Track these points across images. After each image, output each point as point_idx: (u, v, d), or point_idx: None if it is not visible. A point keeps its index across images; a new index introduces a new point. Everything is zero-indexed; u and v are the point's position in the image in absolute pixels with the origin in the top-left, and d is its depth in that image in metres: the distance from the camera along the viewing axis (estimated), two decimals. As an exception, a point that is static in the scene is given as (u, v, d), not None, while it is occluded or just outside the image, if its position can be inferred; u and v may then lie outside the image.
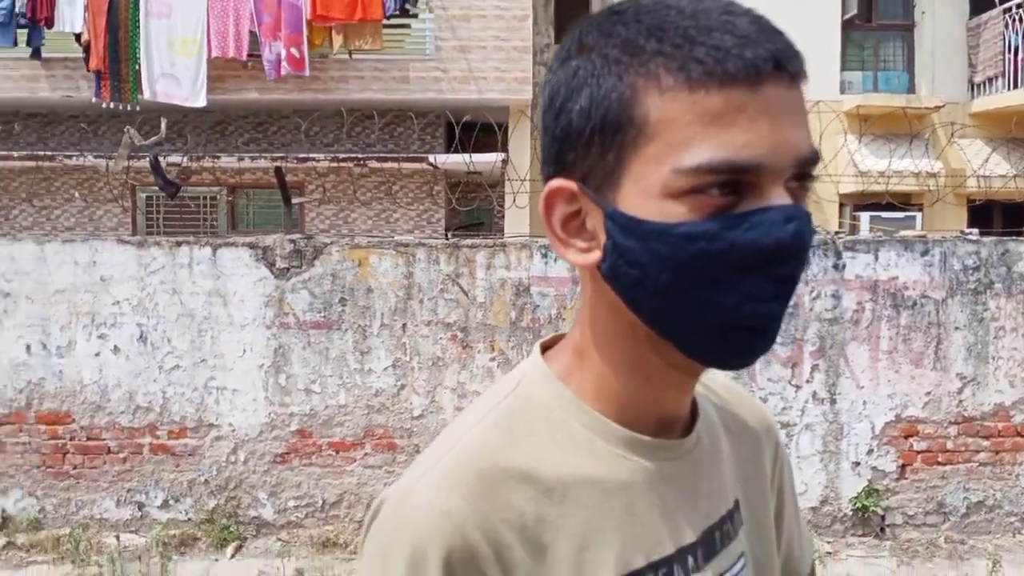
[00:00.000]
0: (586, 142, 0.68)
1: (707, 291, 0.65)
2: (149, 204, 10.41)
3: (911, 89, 11.46)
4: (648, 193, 0.65)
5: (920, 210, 9.91)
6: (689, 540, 0.75)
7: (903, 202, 8.41)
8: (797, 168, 0.65)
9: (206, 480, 5.15)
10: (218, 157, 9.63)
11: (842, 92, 11.03)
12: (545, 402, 0.75)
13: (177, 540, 4.97)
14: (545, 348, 0.81)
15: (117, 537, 4.96)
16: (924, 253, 5.20)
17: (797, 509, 0.97)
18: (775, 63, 0.63)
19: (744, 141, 0.63)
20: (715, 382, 0.91)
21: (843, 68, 11.38)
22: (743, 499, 0.84)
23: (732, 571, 0.79)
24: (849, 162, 9.72)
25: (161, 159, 7.91)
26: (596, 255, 0.69)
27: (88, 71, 9.66)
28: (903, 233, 6.10)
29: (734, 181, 0.63)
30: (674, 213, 0.64)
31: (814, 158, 0.66)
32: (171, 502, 5.16)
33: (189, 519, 5.13)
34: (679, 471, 0.76)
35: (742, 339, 0.67)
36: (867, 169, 8.88)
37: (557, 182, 0.70)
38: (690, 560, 0.74)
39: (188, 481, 5.15)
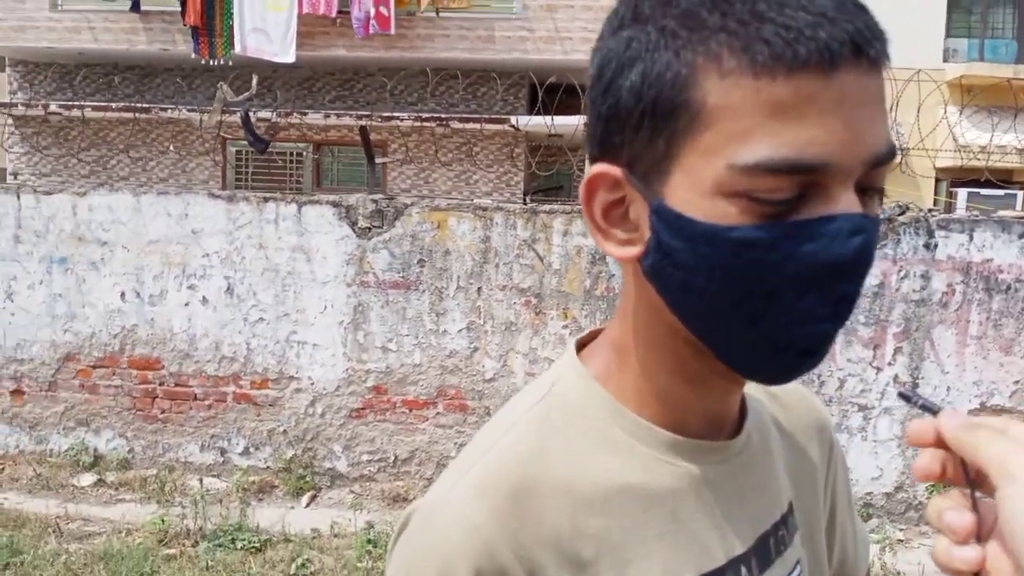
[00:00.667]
0: (635, 124, 0.60)
1: (758, 305, 0.59)
2: (239, 158, 10.70)
3: (1020, 59, 10.84)
4: (699, 188, 0.58)
5: (1022, 188, 9.43)
6: (741, 549, 0.69)
7: (1004, 179, 8.01)
8: (870, 168, 0.58)
9: (285, 430, 5.34)
10: (305, 113, 9.80)
11: (945, 60, 10.52)
12: (581, 404, 0.69)
13: (256, 487, 5.19)
14: (582, 344, 0.76)
15: (200, 480, 5.21)
16: (1022, 235, 4.96)
17: (852, 509, 0.92)
18: (853, 46, 0.55)
19: (810, 137, 0.55)
20: None
21: (947, 35, 10.84)
22: (796, 501, 0.79)
23: None
24: (948, 135, 9.29)
25: (251, 115, 8.10)
26: (638, 249, 0.63)
27: (184, 25, 9.92)
28: (1001, 213, 5.82)
29: (798, 182, 0.56)
30: (726, 214, 0.57)
31: (891, 155, 0.59)
32: (251, 450, 5.37)
33: (268, 467, 5.34)
34: (728, 475, 0.70)
35: (791, 360, 0.61)
36: (967, 143, 8.48)
37: (601, 167, 0.64)
38: (743, 571, 0.69)
39: (268, 430, 5.35)
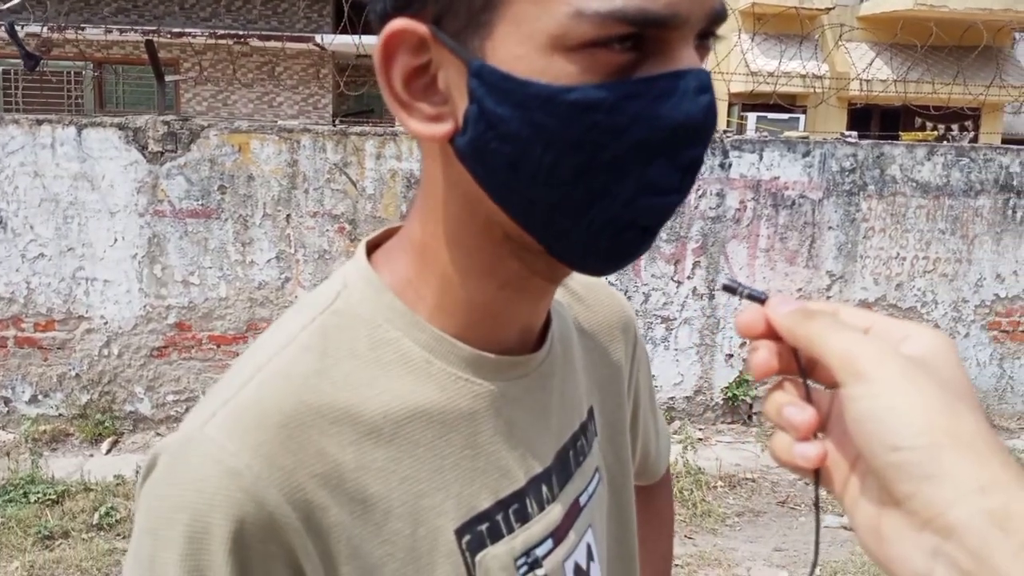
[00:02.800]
0: None
1: (601, 179, 0.51)
2: (6, 78, 9.56)
3: (804, -11, 11.56)
4: (532, 42, 0.49)
5: (804, 112, 10.17)
6: (541, 467, 0.65)
7: (789, 103, 8.59)
8: (708, 25, 0.53)
9: (77, 374, 4.94)
10: (83, 28, 8.86)
11: (738, -12, 11.03)
12: (370, 317, 0.60)
13: (48, 436, 4.79)
14: (375, 246, 0.66)
15: (-19, 433, 4.74)
16: (806, 154, 5.35)
17: (654, 406, 0.90)
18: None
19: None
20: None
21: (740, -37, 11.35)
22: (598, 406, 0.76)
23: (588, 491, 0.71)
24: (741, 61, 9.81)
25: (18, 29, 7.22)
26: (448, 125, 0.54)
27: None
28: (787, 134, 6.24)
29: (638, 35, 0.49)
30: (564, 73, 0.49)
31: (725, 14, 0.54)
32: (40, 397, 4.94)
33: (60, 414, 4.94)
34: (529, 389, 0.65)
35: (631, 239, 0.55)
36: (758, 69, 8.99)
37: (400, 23, 0.52)
38: (544, 490, 0.65)
39: (58, 376, 4.93)
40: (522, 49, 0.50)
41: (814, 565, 0.53)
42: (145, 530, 0.52)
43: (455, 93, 0.53)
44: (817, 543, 0.52)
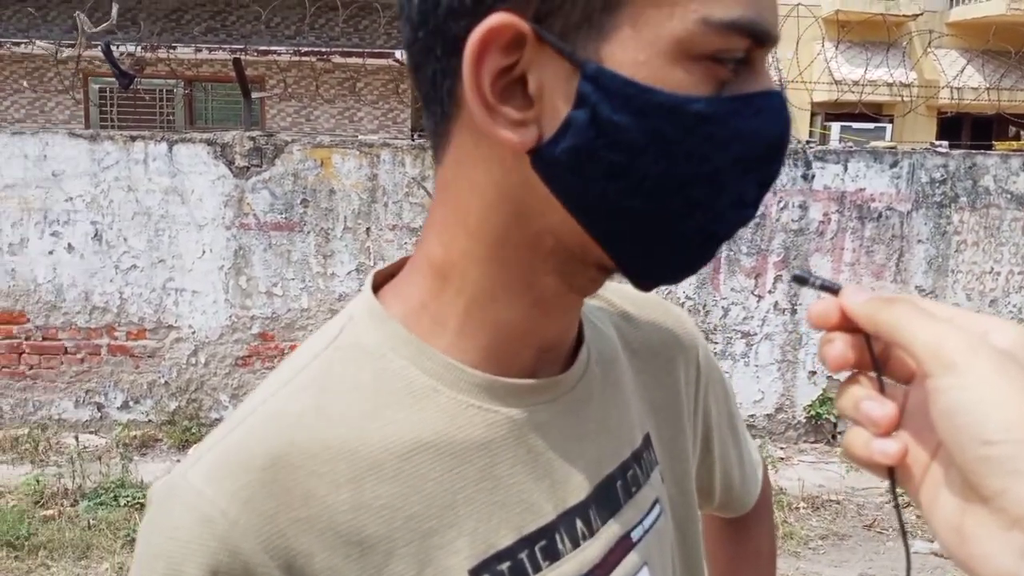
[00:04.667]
0: None
1: (702, 191, 0.50)
2: (103, 96, 10.01)
3: (891, -5, 11.25)
4: (654, 48, 0.47)
5: (891, 121, 9.87)
6: (575, 500, 0.59)
7: (875, 112, 8.34)
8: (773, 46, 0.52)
9: (166, 382, 5.11)
10: (174, 47, 9.22)
11: (821, -4, 10.80)
12: (375, 349, 0.57)
13: (138, 441, 4.96)
14: (389, 277, 0.62)
15: (76, 438, 4.94)
16: (893, 165, 5.18)
17: (737, 431, 0.84)
18: None
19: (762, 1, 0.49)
20: (614, 289, 0.74)
21: (823, -29, 11.11)
22: (655, 432, 0.70)
23: (643, 525, 0.64)
24: (824, 69, 9.59)
25: (113, 49, 7.55)
26: (533, 132, 0.50)
27: (32, -50, 9.12)
28: (873, 144, 6.06)
29: (748, 52, 0.49)
30: (682, 82, 0.48)
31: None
32: (131, 403, 5.13)
33: (150, 420, 5.11)
34: (560, 415, 0.60)
35: (708, 250, 0.54)
36: (842, 78, 8.76)
37: (502, 17, 0.47)
38: (579, 524, 0.59)
39: (148, 383, 5.11)
40: (644, 55, 0.47)
41: (908, 567, 0.50)
42: (135, 567, 0.52)
43: (549, 99, 0.49)
44: (906, 544, 0.49)
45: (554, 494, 0.58)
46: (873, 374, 0.46)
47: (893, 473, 0.45)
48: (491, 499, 0.56)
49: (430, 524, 0.54)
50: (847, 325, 0.46)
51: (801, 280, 0.50)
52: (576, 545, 0.58)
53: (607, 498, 0.62)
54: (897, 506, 0.48)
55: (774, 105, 0.51)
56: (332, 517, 0.51)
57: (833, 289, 0.47)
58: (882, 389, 0.46)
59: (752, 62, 0.50)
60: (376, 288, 0.61)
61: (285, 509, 0.50)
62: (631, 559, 0.62)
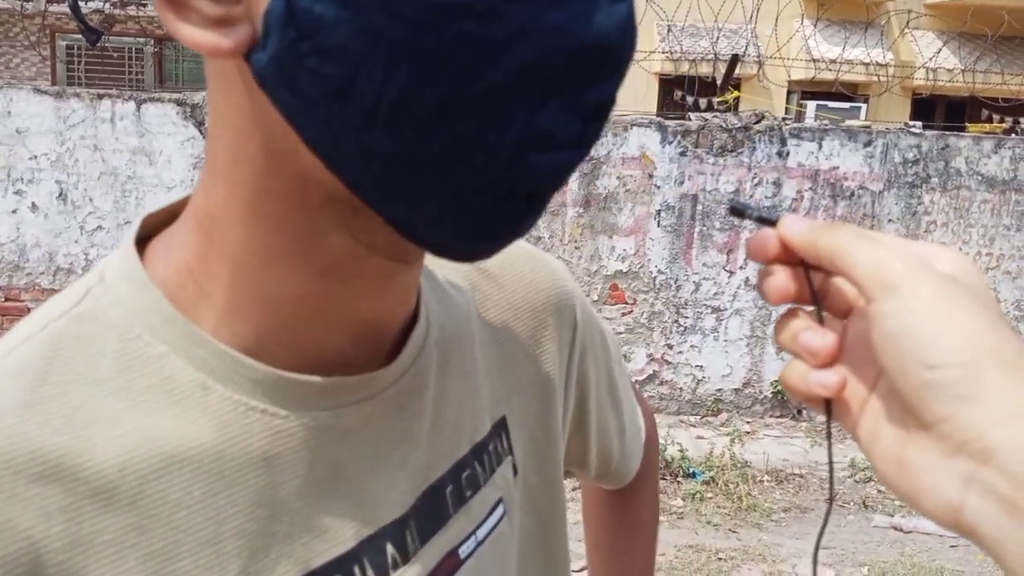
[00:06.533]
0: None
1: (471, 122, 0.35)
2: (70, 53, 9.79)
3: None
4: None
5: (866, 101, 9.91)
6: (391, 518, 0.49)
7: (851, 92, 8.38)
8: None
9: (132, 345, 5.05)
10: (144, 5, 9.02)
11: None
12: (124, 326, 0.43)
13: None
14: (157, 228, 0.48)
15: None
16: (867, 144, 5.20)
17: (618, 398, 0.74)
18: None
19: None
20: None
21: (804, -53, 11.07)
22: (517, 413, 0.60)
23: (475, 537, 0.54)
24: (802, 47, 9.59)
25: (81, 4, 7.37)
26: (240, 33, 0.37)
27: (-3, -101, 8.83)
28: (848, 123, 6.08)
29: None
30: None
31: None
32: (96, 366, 5.06)
33: (115, 383, 5.05)
34: (374, 417, 0.48)
35: (512, 212, 0.39)
36: (820, 56, 8.78)
37: None
38: (389, 549, 0.48)
39: (114, 345, 5.04)
40: None
41: (830, 503, 0.50)
42: None
43: None
44: (832, 479, 0.48)
45: (358, 516, 0.47)
46: (812, 308, 0.45)
47: (830, 405, 0.44)
48: (267, 529, 0.44)
49: (179, 565, 0.41)
50: (786, 257, 0.44)
51: (738, 212, 0.47)
52: (384, 575, 0.48)
53: (432, 510, 0.51)
54: (829, 435, 0.46)
55: None
56: (37, 558, 0.38)
57: (771, 220, 0.45)
58: (821, 321, 0.44)
59: None
60: (146, 240, 0.47)
61: None
62: None
